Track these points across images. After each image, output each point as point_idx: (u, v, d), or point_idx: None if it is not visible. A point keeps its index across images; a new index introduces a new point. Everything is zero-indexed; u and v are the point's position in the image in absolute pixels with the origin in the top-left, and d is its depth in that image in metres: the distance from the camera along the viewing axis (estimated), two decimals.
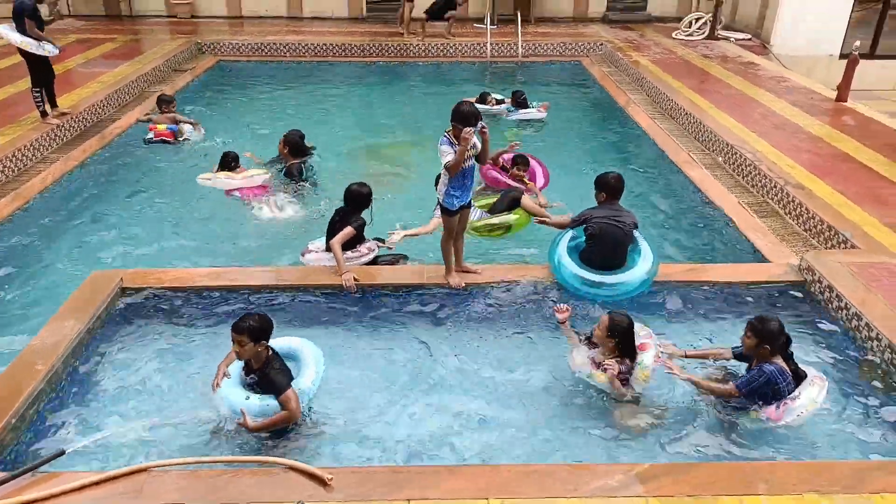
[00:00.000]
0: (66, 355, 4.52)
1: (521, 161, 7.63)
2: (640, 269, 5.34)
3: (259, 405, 4.00)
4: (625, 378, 4.26)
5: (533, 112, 10.44)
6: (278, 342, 4.43)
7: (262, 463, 3.58)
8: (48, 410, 4.18)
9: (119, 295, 5.31)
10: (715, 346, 4.82)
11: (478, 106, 5.36)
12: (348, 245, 5.66)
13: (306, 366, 4.38)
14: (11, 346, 4.78)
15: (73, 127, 9.06)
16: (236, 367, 4.28)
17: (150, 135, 9.14)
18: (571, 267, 5.36)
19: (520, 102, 10.49)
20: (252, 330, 3.94)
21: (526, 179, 7.54)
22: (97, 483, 3.34)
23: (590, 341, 4.58)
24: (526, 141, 9.24)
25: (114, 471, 3.42)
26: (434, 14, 14.26)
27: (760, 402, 4.06)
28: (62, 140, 8.76)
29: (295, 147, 7.72)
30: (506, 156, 7.79)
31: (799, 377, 4.14)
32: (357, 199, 5.74)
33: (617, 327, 4.30)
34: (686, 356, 4.60)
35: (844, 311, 5.03)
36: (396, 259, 6.05)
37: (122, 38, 13.90)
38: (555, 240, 5.66)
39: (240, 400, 4.03)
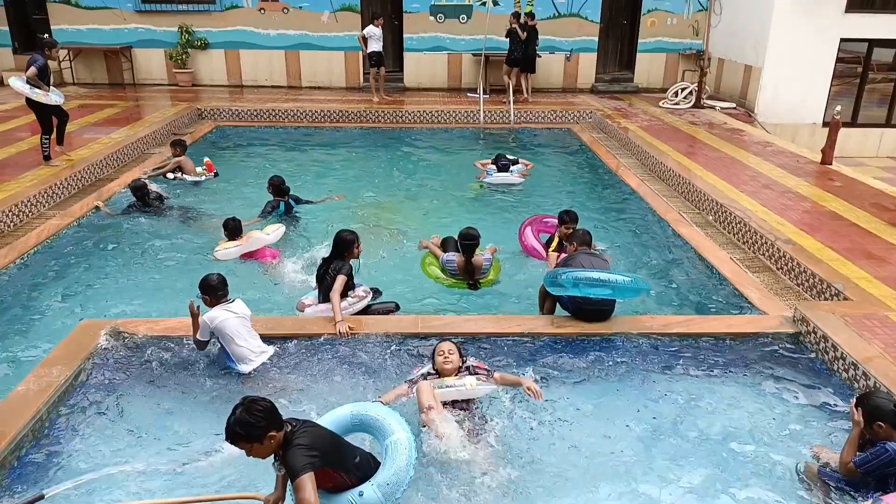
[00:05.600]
0: (52, 402, 4.43)
1: (569, 218, 6.63)
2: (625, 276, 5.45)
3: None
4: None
5: (507, 176, 10.18)
6: (351, 409, 3.75)
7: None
8: (31, 455, 4.07)
9: (109, 343, 5.24)
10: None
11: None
12: (343, 293, 5.68)
13: (389, 453, 3.45)
14: None
15: (72, 185, 9.18)
16: None
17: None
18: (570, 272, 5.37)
19: (501, 167, 10.22)
20: (241, 436, 3.08)
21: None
22: None
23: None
24: (513, 205, 9.39)
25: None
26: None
27: (878, 492, 3.48)
28: (60, 197, 8.86)
29: (273, 187, 8.61)
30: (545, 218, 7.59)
31: None
32: (346, 244, 5.83)
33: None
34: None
35: (840, 361, 5.00)
36: (389, 308, 6.05)
37: (124, 104, 14.23)
38: (545, 280, 5.70)
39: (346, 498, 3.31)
